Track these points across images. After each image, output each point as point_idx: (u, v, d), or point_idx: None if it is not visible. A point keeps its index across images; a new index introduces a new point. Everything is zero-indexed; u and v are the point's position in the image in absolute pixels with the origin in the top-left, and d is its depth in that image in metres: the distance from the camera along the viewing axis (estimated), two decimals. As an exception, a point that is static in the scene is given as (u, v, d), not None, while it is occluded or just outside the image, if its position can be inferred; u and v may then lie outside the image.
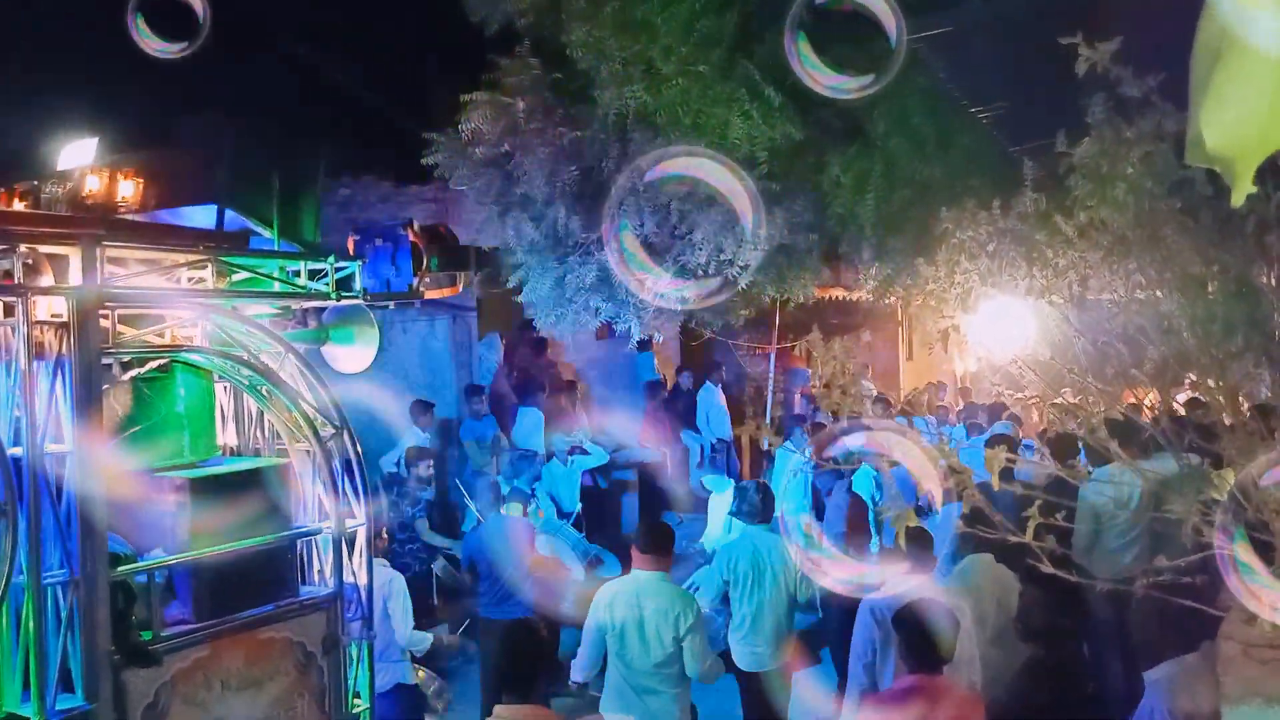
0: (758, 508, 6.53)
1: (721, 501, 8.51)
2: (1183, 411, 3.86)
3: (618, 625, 5.37)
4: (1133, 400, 3.74)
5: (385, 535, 7.07)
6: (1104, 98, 3.22)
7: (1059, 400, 3.88)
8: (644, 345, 11.18)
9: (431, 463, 8.63)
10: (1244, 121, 1.75)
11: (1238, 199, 1.82)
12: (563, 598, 7.09)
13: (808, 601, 6.47)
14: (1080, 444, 5.02)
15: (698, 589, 7.43)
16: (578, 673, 5.61)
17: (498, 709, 4.30)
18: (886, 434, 3.41)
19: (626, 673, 5.39)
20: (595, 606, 5.48)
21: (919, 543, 5.43)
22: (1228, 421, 3.20)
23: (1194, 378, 3.48)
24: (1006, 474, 3.15)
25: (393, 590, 5.96)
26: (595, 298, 8.70)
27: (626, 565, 6.09)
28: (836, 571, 3.92)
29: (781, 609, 6.31)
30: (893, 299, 10.23)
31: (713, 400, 12.66)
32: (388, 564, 6.17)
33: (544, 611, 6.63)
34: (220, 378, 4.63)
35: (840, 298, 13.17)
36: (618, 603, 5.43)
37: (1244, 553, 2.37)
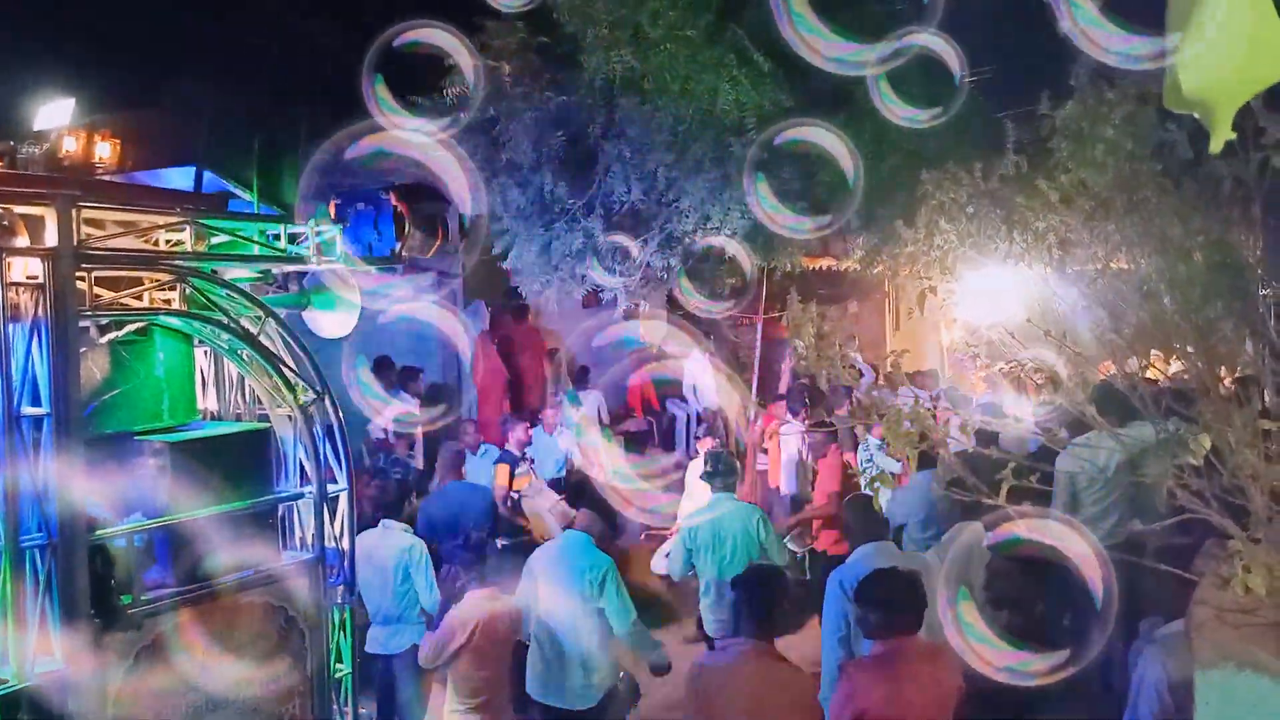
0: (728, 475, 6.55)
1: (697, 470, 8.49)
2: (1167, 377, 3.86)
3: (535, 588, 5.35)
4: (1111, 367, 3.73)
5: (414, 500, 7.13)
6: (1088, 60, 3.19)
7: (1040, 367, 3.87)
8: (630, 314, 11.14)
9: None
10: (1222, 65, 1.72)
11: (1216, 145, 1.80)
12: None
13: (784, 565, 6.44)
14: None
15: (667, 556, 7.45)
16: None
17: (470, 591, 5.02)
18: (1044, 523, 3.30)
19: (550, 639, 5.33)
20: (524, 573, 5.46)
21: (866, 511, 5.47)
22: (1206, 388, 3.20)
23: (1175, 345, 3.48)
24: (988, 440, 3.15)
25: (413, 559, 5.96)
26: (581, 265, 8.65)
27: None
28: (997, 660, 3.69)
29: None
30: (880, 268, 10.20)
31: (701, 369, 12.63)
32: (409, 530, 6.18)
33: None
34: (200, 342, 4.60)
35: (828, 268, 13.13)
36: (536, 567, 5.41)
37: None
